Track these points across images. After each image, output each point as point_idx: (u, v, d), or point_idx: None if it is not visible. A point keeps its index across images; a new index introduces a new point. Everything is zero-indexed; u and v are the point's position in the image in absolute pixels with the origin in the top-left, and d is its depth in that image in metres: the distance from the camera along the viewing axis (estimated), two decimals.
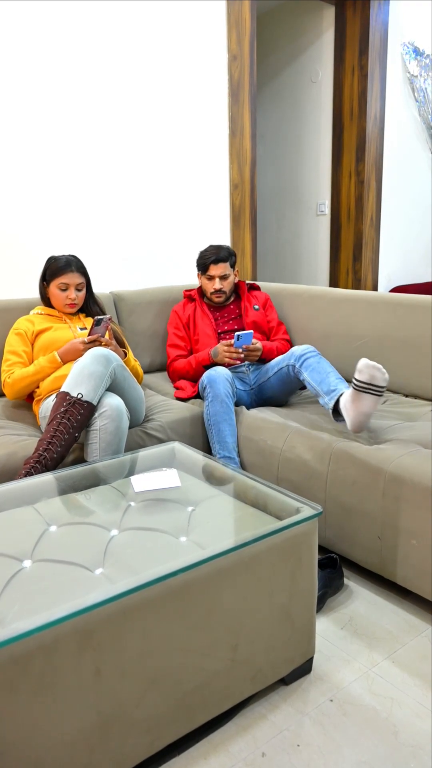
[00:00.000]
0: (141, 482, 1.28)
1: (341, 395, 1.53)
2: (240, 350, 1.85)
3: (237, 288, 2.14)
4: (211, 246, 2.07)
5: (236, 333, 1.81)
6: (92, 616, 0.83)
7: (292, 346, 2.13)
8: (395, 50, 3.17)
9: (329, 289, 2.13)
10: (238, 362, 1.87)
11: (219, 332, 2.04)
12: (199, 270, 2.07)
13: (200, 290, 2.12)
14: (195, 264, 2.14)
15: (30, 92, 2.04)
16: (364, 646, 1.19)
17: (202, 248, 2.14)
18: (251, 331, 1.92)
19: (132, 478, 1.31)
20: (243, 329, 2.07)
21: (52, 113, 2.10)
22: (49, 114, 2.09)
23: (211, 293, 2.05)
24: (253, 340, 1.91)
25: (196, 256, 2.58)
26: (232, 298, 2.12)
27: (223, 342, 1.88)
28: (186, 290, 2.16)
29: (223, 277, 2.03)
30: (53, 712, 0.83)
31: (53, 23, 2.04)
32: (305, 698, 1.05)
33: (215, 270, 2.02)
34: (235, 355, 1.85)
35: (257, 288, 2.18)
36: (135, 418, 1.67)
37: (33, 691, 0.80)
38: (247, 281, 2.22)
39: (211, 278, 2.04)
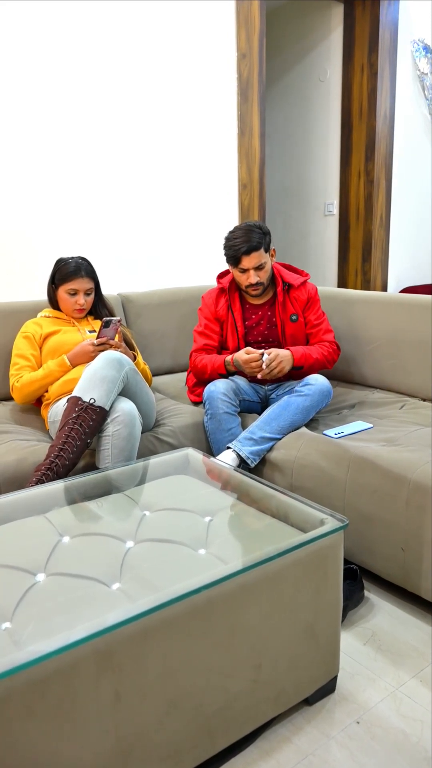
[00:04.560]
0: None
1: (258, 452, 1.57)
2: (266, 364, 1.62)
3: (272, 280, 1.77)
4: (238, 229, 1.66)
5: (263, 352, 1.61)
6: (112, 636, 0.79)
7: (339, 350, 1.82)
8: (405, 48, 3.13)
9: (341, 290, 2.08)
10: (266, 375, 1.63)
11: (246, 340, 1.78)
12: (229, 263, 1.71)
13: (234, 281, 1.78)
14: (222, 253, 1.77)
15: (37, 92, 2.00)
16: (389, 664, 1.14)
17: (225, 235, 1.75)
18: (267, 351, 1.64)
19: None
20: (274, 345, 1.78)
21: (59, 113, 2.06)
22: (55, 114, 2.05)
23: (247, 287, 1.71)
24: (270, 354, 1.63)
25: (204, 257, 2.54)
26: (270, 293, 1.78)
27: (244, 357, 1.62)
28: (221, 274, 1.85)
29: (259, 268, 1.67)
30: (71, 738, 0.78)
31: (60, 23, 2.00)
32: (330, 720, 1.01)
33: (249, 262, 1.65)
34: (265, 369, 1.61)
35: (297, 286, 1.76)
36: (146, 423, 1.63)
37: (51, 717, 0.76)
38: (284, 280, 1.76)
39: (244, 271, 1.68)
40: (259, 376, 1.63)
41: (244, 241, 1.63)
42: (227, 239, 1.68)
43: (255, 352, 1.63)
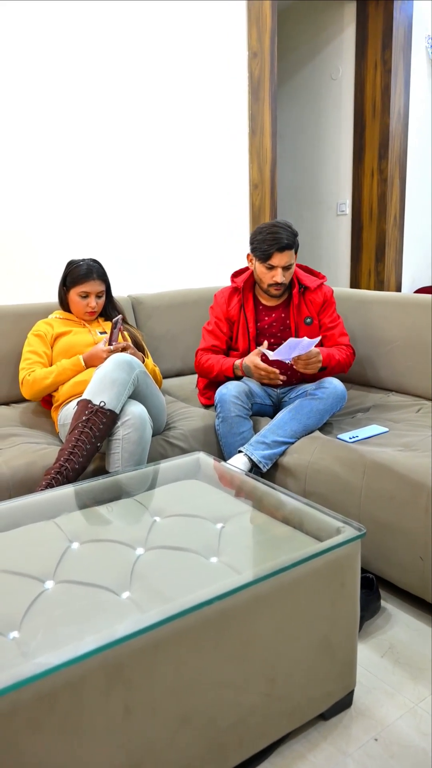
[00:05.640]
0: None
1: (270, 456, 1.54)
2: (278, 371, 1.58)
3: (289, 283, 1.72)
4: (272, 225, 1.60)
5: (275, 352, 1.53)
6: (122, 649, 0.77)
7: (355, 354, 1.78)
8: (419, 44, 3.08)
9: (356, 290, 2.04)
10: (278, 382, 1.58)
11: (258, 341, 1.75)
12: (257, 257, 1.64)
13: (250, 278, 1.73)
14: (249, 244, 1.66)
15: (48, 92, 1.99)
16: (408, 678, 1.10)
17: (256, 230, 1.63)
18: (302, 340, 1.51)
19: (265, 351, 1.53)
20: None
21: (62, 112, 2.05)
22: (58, 113, 2.04)
23: (269, 285, 1.66)
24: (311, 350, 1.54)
25: (215, 258, 2.52)
26: (285, 295, 1.75)
27: (254, 360, 1.58)
28: (235, 273, 1.81)
29: (287, 267, 1.63)
30: (80, 754, 0.76)
31: (69, 24, 1.99)
32: (347, 736, 0.97)
33: (280, 259, 1.60)
34: (273, 376, 1.56)
35: (313, 289, 1.72)
36: (156, 426, 1.61)
37: (59, 731, 0.74)
38: (301, 282, 1.72)
39: (272, 268, 1.63)
40: (296, 366, 1.57)
41: (279, 238, 1.58)
42: (258, 233, 1.62)
43: (266, 366, 1.57)
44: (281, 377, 1.59)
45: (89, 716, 0.76)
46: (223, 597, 0.84)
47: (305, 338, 1.52)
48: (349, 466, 1.40)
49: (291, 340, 1.51)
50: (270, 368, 1.57)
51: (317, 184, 3.47)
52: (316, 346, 1.65)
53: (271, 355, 1.54)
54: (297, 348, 1.51)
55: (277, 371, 1.58)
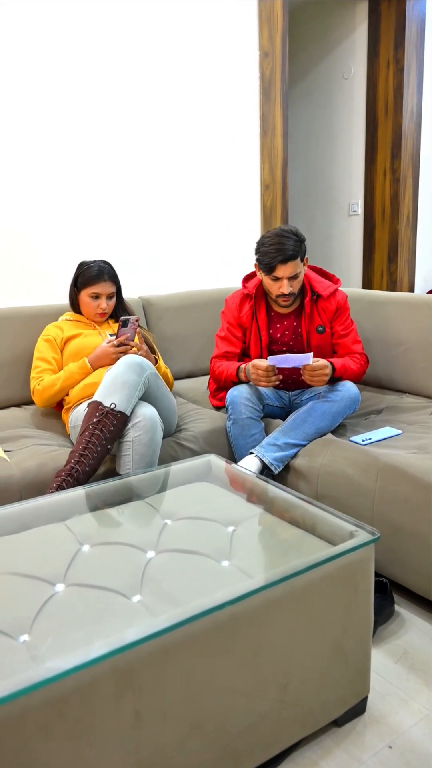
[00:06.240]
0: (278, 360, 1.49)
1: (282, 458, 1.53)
2: (277, 373, 1.57)
3: (301, 290, 1.69)
4: (275, 235, 1.54)
5: (270, 357, 1.52)
6: (132, 653, 0.76)
7: (368, 362, 1.73)
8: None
9: (368, 291, 2.02)
10: (275, 383, 1.55)
11: (270, 349, 1.72)
12: (262, 269, 1.60)
13: (260, 287, 1.70)
14: (254, 254, 1.63)
15: (50, 90, 2.00)
16: (423, 684, 1.08)
17: (260, 238, 1.59)
18: (308, 354, 1.50)
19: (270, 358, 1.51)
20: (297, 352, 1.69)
21: (70, 113, 2.06)
22: (66, 114, 2.05)
23: (277, 296, 1.62)
24: (313, 361, 1.52)
25: (226, 259, 2.51)
26: (297, 302, 1.71)
27: (255, 361, 1.56)
28: (246, 277, 1.77)
29: (293, 277, 1.58)
30: (90, 760, 0.75)
31: (77, 23, 2.00)
32: (360, 743, 0.96)
33: (284, 271, 1.55)
34: (273, 379, 1.54)
35: (326, 297, 1.67)
36: (167, 428, 1.61)
37: (68, 737, 0.73)
38: (314, 290, 1.68)
39: (277, 279, 1.59)
40: (303, 377, 1.55)
41: (281, 249, 1.53)
42: (262, 244, 1.58)
43: (265, 363, 1.54)
44: (278, 376, 1.55)
45: (99, 722, 0.75)
46: (234, 601, 0.83)
47: (296, 355, 1.51)
48: (362, 469, 1.38)
49: (287, 356, 1.51)
50: (266, 366, 1.52)
51: (329, 184, 3.45)
52: (330, 360, 1.61)
53: (269, 360, 1.52)
54: (290, 361, 1.51)
55: (271, 370, 1.53)
